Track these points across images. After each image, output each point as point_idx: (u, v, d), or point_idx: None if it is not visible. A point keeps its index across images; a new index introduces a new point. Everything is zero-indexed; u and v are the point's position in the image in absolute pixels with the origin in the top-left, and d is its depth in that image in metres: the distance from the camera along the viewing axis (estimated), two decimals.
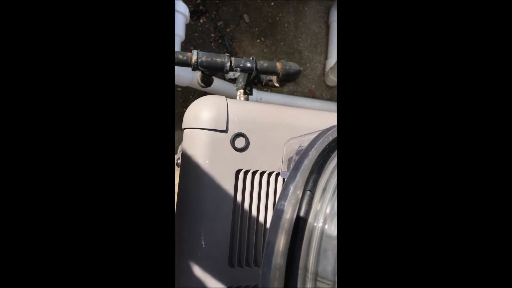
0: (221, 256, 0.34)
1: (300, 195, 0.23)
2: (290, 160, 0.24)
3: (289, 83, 0.80)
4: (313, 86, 1.35)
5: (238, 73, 0.78)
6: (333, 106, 1.30)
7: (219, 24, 1.27)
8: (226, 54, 0.74)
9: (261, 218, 0.36)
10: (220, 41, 1.26)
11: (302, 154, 0.25)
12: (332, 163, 0.25)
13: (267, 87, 0.86)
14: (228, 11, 1.27)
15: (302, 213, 0.23)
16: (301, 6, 1.36)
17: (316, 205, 0.23)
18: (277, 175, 0.36)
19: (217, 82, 1.05)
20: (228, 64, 0.72)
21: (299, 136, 0.31)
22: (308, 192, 0.23)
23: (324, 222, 0.22)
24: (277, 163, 0.36)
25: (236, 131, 0.35)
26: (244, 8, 1.29)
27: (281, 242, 0.22)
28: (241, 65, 0.72)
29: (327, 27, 1.38)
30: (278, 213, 0.22)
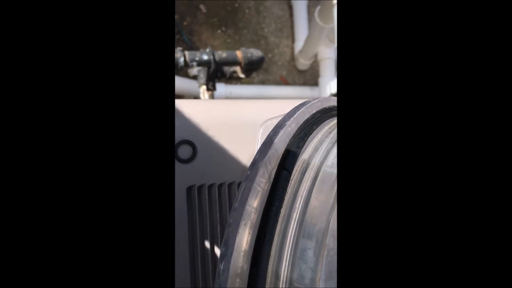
0: None
1: (273, 177, 0.18)
2: (249, 168, 0.18)
3: (255, 71, 0.73)
4: (284, 73, 1.29)
5: (198, 70, 0.71)
6: (308, 91, 1.24)
7: (175, 20, 1.18)
8: (179, 48, 0.66)
9: None
10: (178, 36, 1.17)
11: (277, 125, 0.19)
12: (317, 138, 0.20)
13: (233, 79, 0.79)
14: (182, 3, 1.18)
15: (274, 201, 0.18)
16: None
17: (292, 189, 0.18)
18: (239, 184, 0.30)
19: (178, 81, 0.96)
20: (182, 59, 0.64)
21: (279, 116, 0.25)
22: (285, 172, 0.18)
23: (303, 214, 0.18)
24: (237, 170, 0.30)
25: (179, 139, 0.28)
26: None
27: (244, 238, 0.16)
28: (196, 58, 0.64)
29: (290, 8, 1.32)
30: (242, 199, 0.17)
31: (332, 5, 0.79)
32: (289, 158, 0.18)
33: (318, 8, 0.99)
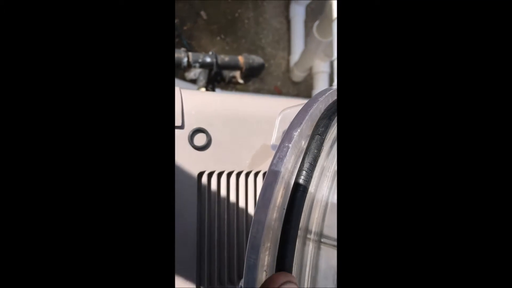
0: (187, 276, 0.28)
1: (308, 140, 0.19)
2: (285, 132, 0.20)
3: (254, 78, 0.75)
4: (279, 83, 1.32)
5: (199, 72, 0.72)
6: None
7: (175, 22, 1.19)
8: (183, 49, 0.67)
9: (232, 227, 0.30)
10: (177, 40, 1.19)
11: (310, 100, 0.21)
12: None
13: (231, 84, 0.80)
14: (184, 8, 1.20)
15: (306, 163, 0.19)
16: (260, 1, 1.32)
17: (324, 154, 0.20)
18: (247, 174, 0.31)
19: (176, 83, 0.98)
20: (186, 59, 0.66)
21: (296, 106, 0.27)
22: (318, 136, 0.19)
23: (334, 177, 0.19)
24: (246, 161, 0.31)
25: (195, 127, 0.29)
26: (200, 4, 1.23)
27: (279, 194, 0.17)
28: (200, 60, 0.66)
29: (288, 22, 1.36)
30: (277, 161, 0.18)
31: (332, 20, 0.82)
32: (322, 126, 0.20)
33: (316, 22, 1.03)
